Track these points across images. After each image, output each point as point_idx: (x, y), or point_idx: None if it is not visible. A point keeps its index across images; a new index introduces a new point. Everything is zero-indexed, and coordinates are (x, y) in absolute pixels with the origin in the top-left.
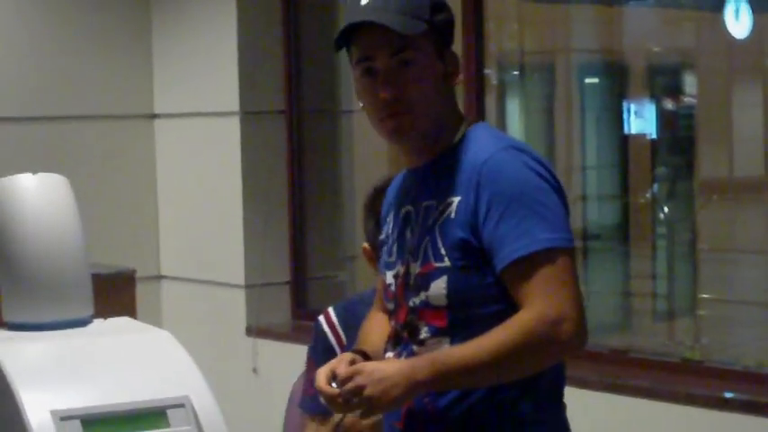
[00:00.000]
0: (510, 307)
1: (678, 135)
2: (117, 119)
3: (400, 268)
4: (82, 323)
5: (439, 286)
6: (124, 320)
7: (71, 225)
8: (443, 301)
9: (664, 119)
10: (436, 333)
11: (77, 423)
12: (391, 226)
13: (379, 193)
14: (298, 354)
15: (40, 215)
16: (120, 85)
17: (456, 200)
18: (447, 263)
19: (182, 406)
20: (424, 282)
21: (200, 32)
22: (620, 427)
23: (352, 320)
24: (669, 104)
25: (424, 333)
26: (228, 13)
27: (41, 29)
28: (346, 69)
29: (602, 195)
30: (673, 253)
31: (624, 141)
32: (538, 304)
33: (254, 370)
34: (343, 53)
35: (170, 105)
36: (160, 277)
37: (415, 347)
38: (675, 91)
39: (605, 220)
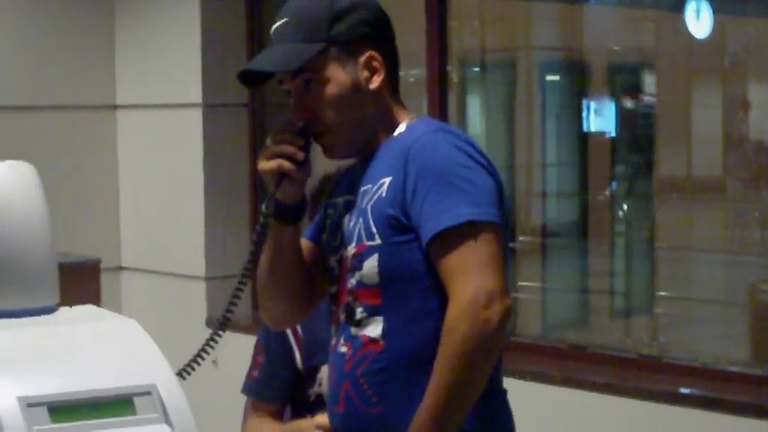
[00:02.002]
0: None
1: (637, 134)
2: (79, 109)
3: (343, 251)
4: (48, 311)
5: (371, 264)
6: (90, 308)
7: (38, 213)
8: (376, 279)
9: (623, 117)
10: (371, 312)
11: (44, 410)
12: (335, 212)
13: (324, 183)
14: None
15: (8, 203)
16: (83, 75)
17: (387, 180)
18: (378, 240)
19: (148, 394)
20: (358, 262)
21: (163, 24)
22: (580, 421)
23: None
24: (629, 103)
25: (359, 313)
26: (192, 5)
27: (3, 21)
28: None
29: (562, 193)
30: (631, 251)
31: (584, 139)
32: (460, 292)
33: (215, 362)
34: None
35: (132, 96)
36: (121, 268)
37: (352, 329)
38: (635, 90)
39: (564, 218)
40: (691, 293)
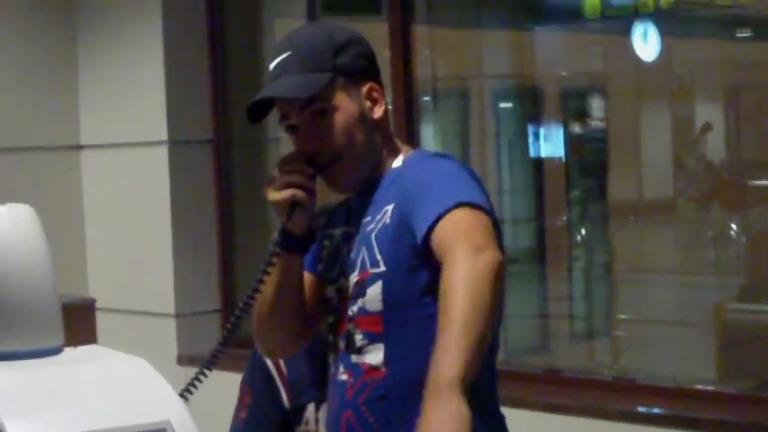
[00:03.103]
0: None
1: (590, 158)
2: (43, 150)
3: (342, 281)
4: (54, 352)
5: (375, 291)
6: (95, 348)
7: (40, 255)
8: (379, 306)
9: (576, 142)
10: (372, 339)
11: None
12: (331, 243)
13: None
14: (230, 382)
15: (10, 245)
16: (46, 116)
17: (390, 207)
18: (382, 267)
19: (163, 430)
20: (361, 289)
21: (126, 62)
22: None
23: None
24: (580, 128)
25: (359, 341)
26: (155, 43)
27: None
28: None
29: (518, 219)
30: (589, 274)
31: (538, 165)
32: (454, 250)
33: (186, 398)
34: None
35: (96, 136)
36: (91, 300)
37: (353, 357)
38: (587, 114)
39: (522, 244)
40: (649, 315)
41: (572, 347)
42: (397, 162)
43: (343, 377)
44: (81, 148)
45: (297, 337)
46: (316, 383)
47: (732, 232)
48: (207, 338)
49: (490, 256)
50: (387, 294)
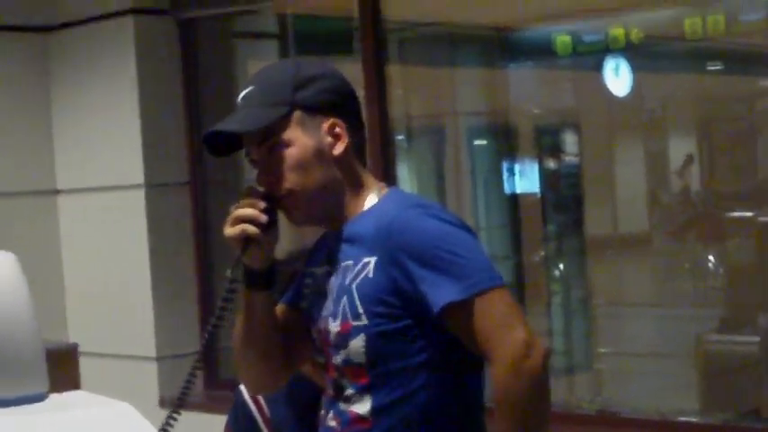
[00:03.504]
0: (436, 355)
1: (565, 193)
2: (19, 196)
3: (320, 324)
4: (39, 398)
5: (358, 344)
6: (80, 394)
7: (24, 302)
8: (362, 359)
9: (550, 178)
10: (359, 390)
11: None
12: (313, 281)
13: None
14: (212, 424)
15: None
16: (22, 161)
17: (372, 260)
18: (364, 321)
19: None
20: (343, 341)
21: (102, 106)
22: None
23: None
24: (555, 163)
25: (348, 390)
26: (130, 87)
27: None
28: None
29: (495, 256)
30: (568, 309)
31: (514, 201)
32: (497, 355)
33: None
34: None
35: (73, 180)
36: (74, 345)
37: (341, 405)
38: (560, 150)
39: None
40: (631, 348)
41: (554, 382)
42: (371, 200)
43: (333, 423)
44: (57, 192)
45: (277, 372)
46: (298, 424)
47: (710, 264)
48: None
49: (538, 360)
50: (370, 348)
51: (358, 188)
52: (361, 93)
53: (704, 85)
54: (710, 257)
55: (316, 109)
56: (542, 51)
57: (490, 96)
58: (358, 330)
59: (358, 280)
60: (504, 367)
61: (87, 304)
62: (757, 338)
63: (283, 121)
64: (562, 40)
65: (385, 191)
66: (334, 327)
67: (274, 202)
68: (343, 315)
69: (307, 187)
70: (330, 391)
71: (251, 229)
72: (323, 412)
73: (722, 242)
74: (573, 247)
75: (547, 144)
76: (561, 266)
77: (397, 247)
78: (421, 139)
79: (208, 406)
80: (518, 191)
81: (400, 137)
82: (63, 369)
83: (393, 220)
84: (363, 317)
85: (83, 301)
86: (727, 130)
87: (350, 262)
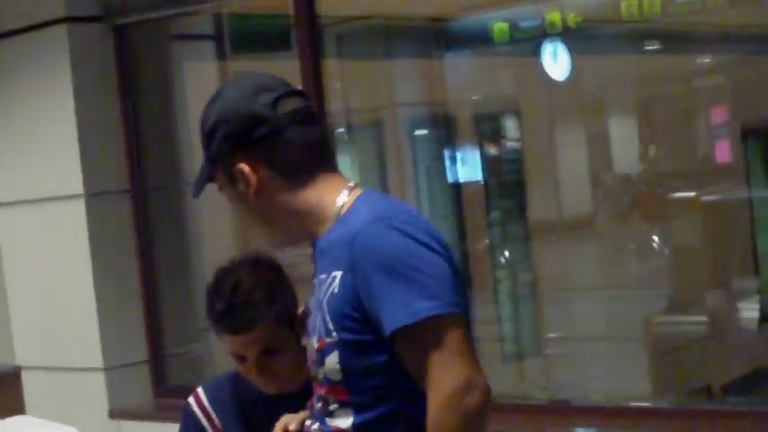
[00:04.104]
0: (402, 377)
1: (507, 179)
2: None
3: (309, 341)
4: None
5: (333, 361)
6: (25, 419)
7: None
8: (339, 376)
9: (492, 164)
10: (341, 405)
11: None
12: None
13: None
14: None
15: None
16: None
17: (338, 274)
18: (335, 337)
19: None
20: (321, 357)
21: (36, 117)
22: None
23: (222, 399)
24: (496, 150)
25: (332, 405)
26: (65, 96)
27: None
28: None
29: None
30: (515, 295)
31: (457, 189)
32: (436, 388)
33: None
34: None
35: (10, 193)
36: (17, 368)
37: (327, 419)
38: (501, 136)
39: None
40: (579, 332)
41: (503, 369)
42: (342, 204)
43: None
44: None
45: None
46: (244, 426)
47: (654, 245)
48: (137, 390)
49: (476, 399)
50: (344, 365)
51: (309, 205)
52: None
53: (642, 66)
54: (655, 238)
55: (225, 159)
56: (480, 39)
57: (429, 86)
58: (331, 347)
59: (328, 295)
60: (439, 402)
61: (31, 317)
62: (705, 317)
63: (216, 175)
64: (499, 27)
65: (356, 193)
66: (314, 343)
67: None
68: (318, 332)
69: (262, 222)
70: (318, 405)
71: None
72: (308, 422)
73: (666, 222)
74: (517, 233)
75: (488, 131)
76: (506, 253)
77: (358, 263)
78: (362, 132)
79: (158, 415)
80: (460, 179)
81: (341, 130)
82: (7, 392)
83: (356, 234)
84: (334, 333)
85: (26, 314)
86: (667, 110)
87: (323, 275)
